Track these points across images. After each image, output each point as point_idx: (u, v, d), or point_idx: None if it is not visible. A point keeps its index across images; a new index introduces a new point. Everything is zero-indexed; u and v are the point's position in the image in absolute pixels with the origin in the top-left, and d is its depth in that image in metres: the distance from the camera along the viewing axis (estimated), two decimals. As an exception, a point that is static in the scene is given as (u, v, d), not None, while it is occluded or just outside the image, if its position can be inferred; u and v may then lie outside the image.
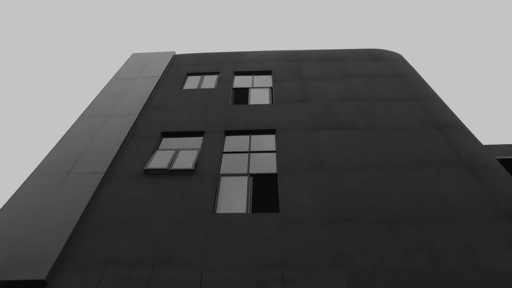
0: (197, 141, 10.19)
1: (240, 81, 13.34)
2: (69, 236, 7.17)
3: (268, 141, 9.96)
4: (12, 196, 8.33)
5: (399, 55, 14.75)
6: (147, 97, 12.12)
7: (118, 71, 14.45)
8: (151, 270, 6.57)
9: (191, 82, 13.45)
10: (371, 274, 6.29)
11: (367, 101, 11.19)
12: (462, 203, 7.51)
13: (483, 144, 9.25)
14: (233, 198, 8.16)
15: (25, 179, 8.89)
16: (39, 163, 9.38)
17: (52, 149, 9.92)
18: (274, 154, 9.43)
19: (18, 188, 8.52)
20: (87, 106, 12.01)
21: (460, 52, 56.74)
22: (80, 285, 6.42)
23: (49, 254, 6.82)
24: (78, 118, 11.32)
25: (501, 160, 12.05)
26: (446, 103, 11.26)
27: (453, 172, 8.31)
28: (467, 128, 10.08)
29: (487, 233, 6.86)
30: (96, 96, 12.61)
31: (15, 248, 6.98)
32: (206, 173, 8.77)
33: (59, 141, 10.24)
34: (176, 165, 8.95)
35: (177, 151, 9.59)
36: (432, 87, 12.00)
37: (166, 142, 10.31)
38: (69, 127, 10.87)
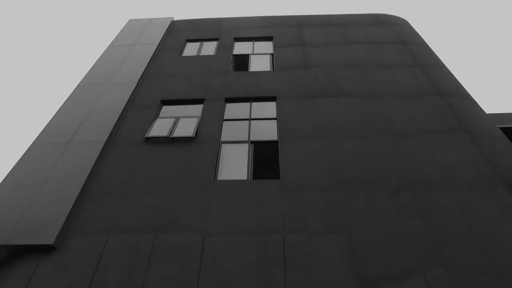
0: (197, 109, 10.12)
1: (240, 48, 13.05)
2: (73, 203, 7.30)
3: (268, 108, 9.89)
4: (15, 165, 8.39)
5: (405, 20, 14.31)
6: (146, 65, 11.91)
7: (115, 38, 14.11)
8: (154, 236, 6.74)
9: (190, 49, 13.17)
10: (370, 239, 6.44)
11: (370, 68, 10.99)
12: (461, 171, 7.56)
13: (486, 112, 9.17)
14: (234, 165, 8.22)
15: (26, 149, 8.93)
16: (39, 133, 9.38)
17: (52, 119, 9.88)
18: (275, 121, 9.40)
19: (21, 158, 8.57)
20: (84, 75, 11.83)
21: (469, 18, 55.05)
22: (86, 250, 6.62)
23: (55, 221, 6.97)
24: (76, 87, 11.18)
25: (504, 129, 12.01)
26: (450, 71, 11.05)
27: (454, 140, 8.30)
28: (470, 96, 9.95)
29: (484, 200, 6.96)
30: (94, 65, 12.39)
31: (22, 215, 7.13)
32: (207, 140, 8.78)
33: (58, 110, 10.18)
34: (177, 133, 8.95)
35: (177, 119, 9.56)
36: (437, 54, 11.74)
37: (166, 110, 10.25)
38: (67, 97, 10.77)
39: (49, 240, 6.64)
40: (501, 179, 7.33)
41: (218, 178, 7.92)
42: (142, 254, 6.45)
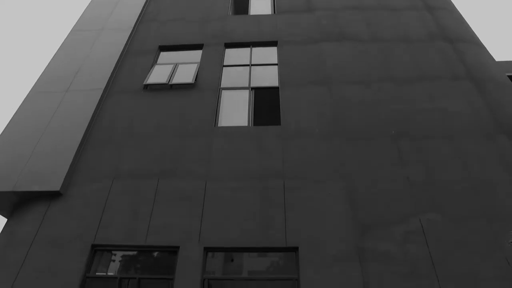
0: (196, 55, 9.81)
1: (239, -11, 12.32)
2: (76, 151, 7.35)
3: (269, 54, 9.58)
4: (14, 114, 8.31)
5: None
6: (141, 8, 11.33)
7: (107, -21, 13.25)
8: (157, 181, 6.88)
9: (187, -9, 12.45)
10: (369, 185, 6.57)
11: (376, 10, 10.44)
12: (463, 119, 7.49)
13: (497, 60, 8.86)
14: (235, 111, 8.15)
15: (24, 98, 8.79)
16: (34, 82, 9.17)
17: (46, 67, 9.60)
18: (276, 67, 9.15)
19: (18, 108, 8.47)
20: (76, 20, 11.30)
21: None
22: (92, 196, 6.80)
23: (59, 168, 7.08)
24: (68, 34, 10.73)
25: (512, 78, 11.68)
26: (462, 15, 10.50)
27: (459, 88, 8.12)
28: (480, 42, 9.53)
29: (484, 148, 6.97)
30: (85, 9, 11.78)
31: (26, 164, 7.22)
32: (207, 87, 8.62)
33: (52, 59, 9.86)
34: (176, 80, 8.76)
35: (176, 65, 9.30)
36: (448, -6, 11.08)
37: (164, 56, 9.94)
38: (61, 44, 10.38)
39: (56, 187, 6.80)
40: (502, 128, 7.28)
41: (218, 125, 7.90)
42: (146, 199, 6.63)
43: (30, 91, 8.90)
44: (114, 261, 6.23)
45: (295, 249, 5.93)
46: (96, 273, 6.06)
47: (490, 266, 5.51)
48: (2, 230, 6.94)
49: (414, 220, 6.06)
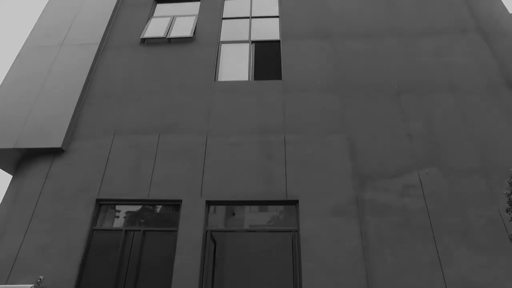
0: (194, 6, 9.38)
1: None
2: (75, 107, 7.29)
3: (270, 5, 9.15)
4: (8, 72, 8.10)
5: None
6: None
7: None
8: (158, 136, 6.89)
9: None
10: (369, 139, 6.57)
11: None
12: (468, 73, 7.30)
13: (509, 12, 8.44)
14: (235, 66, 7.97)
15: (17, 54, 8.55)
16: (26, 37, 8.87)
17: (38, 20, 9.24)
18: (277, 19, 8.79)
19: (12, 64, 8.26)
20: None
21: None
22: (94, 151, 6.84)
23: (60, 125, 7.06)
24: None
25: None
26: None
27: (467, 41, 7.82)
28: (494, -8, 9.02)
29: (487, 102, 6.87)
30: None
31: (26, 121, 7.19)
32: (206, 40, 8.36)
33: (43, 12, 9.45)
34: (174, 33, 8.47)
35: (173, 18, 8.95)
36: None
37: (160, 8, 9.52)
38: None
39: (57, 143, 6.84)
40: (508, 81, 7.12)
41: (218, 80, 7.75)
42: (147, 154, 6.68)
43: (23, 46, 8.64)
44: (118, 217, 6.41)
45: (295, 202, 6.07)
46: (102, 226, 6.27)
47: (483, 217, 5.66)
48: (8, 186, 7.09)
49: (413, 174, 6.13)
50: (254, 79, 7.69)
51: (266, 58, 8.08)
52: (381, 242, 5.55)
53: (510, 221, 4.13)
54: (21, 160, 7.20)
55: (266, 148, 6.58)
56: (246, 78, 7.71)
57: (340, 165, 6.29)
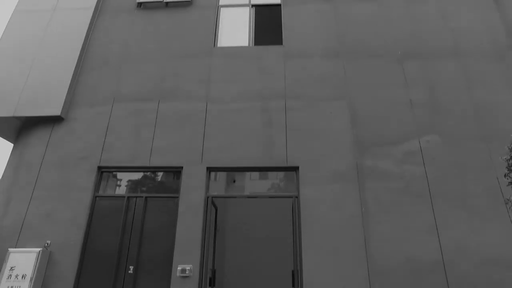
0: (191, -32, 8.99)
1: None
2: (72, 74, 7.17)
3: (271, -34, 8.76)
4: (1, 37, 7.88)
5: None
6: None
7: None
8: (157, 103, 6.83)
9: None
10: (370, 106, 6.51)
11: None
12: (475, 38, 7.11)
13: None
14: (234, 30, 7.75)
15: (8, 19, 8.24)
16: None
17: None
18: (278, -19, 8.45)
19: (5, 30, 7.99)
20: None
21: None
22: (93, 119, 6.81)
23: (58, 92, 6.98)
24: None
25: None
26: None
27: (476, 3, 7.55)
28: None
29: (493, 68, 6.74)
30: None
31: (23, 89, 7.09)
32: (204, 4, 8.07)
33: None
34: (171, -4, 8.17)
35: (170, -19, 8.58)
36: None
37: (156, -30, 9.12)
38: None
39: (56, 111, 6.79)
40: (515, 46, 6.94)
41: (218, 45, 7.57)
42: (147, 121, 6.65)
43: (14, 10, 8.33)
44: (120, 186, 6.48)
45: (295, 169, 6.11)
46: (105, 193, 6.35)
47: (481, 184, 5.73)
48: (11, 154, 7.12)
49: (413, 141, 6.13)
50: (255, 44, 7.52)
51: (267, 22, 7.85)
52: (379, 207, 5.65)
53: (507, 185, 4.16)
54: (21, 129, 7.19)
55: (267, 115, 6.54)
56: (246, 43, 7.53)
57: (341, 132, 6.28)
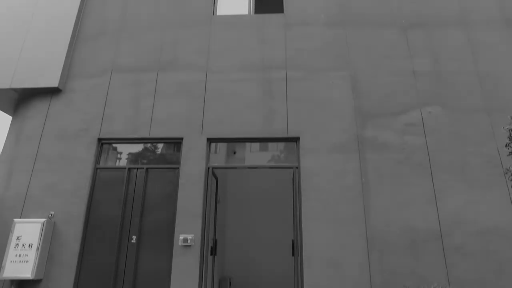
0: None
1: None
2: (68, 45, 7.02)
3: None
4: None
5: None
6: None
7: None
8: (156, 74, 6.72)
9: None
10: (373, 76, 6.39)
11: None
12: (482, 6, 6.89)
13: None
14: (234, -2, 7.52)
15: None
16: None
17: None
18: None
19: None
20: None
21: None
22: (92, 90, 6.73)
23: (54, 63, 6.86)
24: None
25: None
26: None
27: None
28: None
29: (498, 37, 6.57)
30: None
31: (18, 60, 6.96)
32: (202, -30, 7.76)
33: None
34: (167, -38, 7.82)
35: None
36: None
37: None
38: None
39: (53, 82, 6.70)
40: (523, 15, 6.73)
41: (217, 14, 7.35)
42: (147, 92, 6.57)
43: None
44: (121, 159, 6.49)
45: (296, 139, 6.09)
46: (106, 165, 6.38)
47: (481, 155, 5.74)
48: (10, 127, 7.10)
49: (415, 112, 6.08)
50: (255, 13, 7.30)
51: (267, -11, 7.60)
52: (379, 178, 5.68)
53: (508, 155, 4.15)
54: (19, 101, 7.13)
55: (267, 85, 6.45)
56: (246, 12, 7.31)
57: (342, 103, 6.21)
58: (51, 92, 6.80)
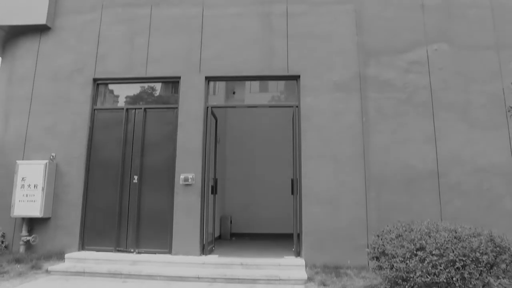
0: None
1: None
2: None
3: None
4: None
5: None
6: None
7: None
8: (150, 9, 6.33)
9: None
10: (380, 10, 6.04)
11: None
12: None
13: None
14: None
15: None
16: None
17: None
18: None
19: None
20: None
21: None
22: (82, 28, 6.41)
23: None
24: None
25: None
26: None
27: None
28: None
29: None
30: None
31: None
32: None
33: None
34: None
35: None
36: None
37: None
38: None
39: (41, 19, 6.37)
40: None
41: None
42: (141, 29, 6.25)
43: None
44: (118, 102, 6.36)
45: (296, 77, 5.92)
46: (103, 106, 6.28)
47: (485, 94, 5.63)
48: (0, 67, 6.89)
49: (420, 49, 5.84)
50: None
51: None
52: (380, 117, 5.62)
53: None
54: (6, 40, 6.83)
55: (267, 20, 6.10)
56: None
57: (345, 39, 5.93)
58: (40, 30, 6.49)
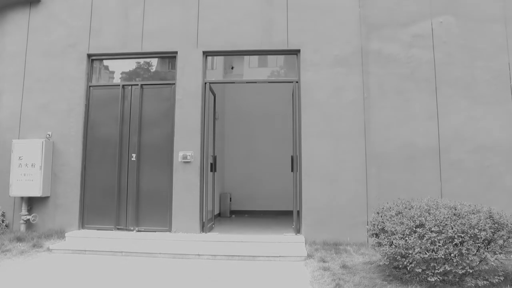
0: None
1: None
2: None
3: None
4: None
5: None
6: None
7: None
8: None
9: None
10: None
11: None
12: None
13: None
14: None
15: None
16: None
17: None
18: None
19: None
20: None
21: None
22: (73, 1, 6.15)
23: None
24: None
25: None
26: None
27: None
28: None
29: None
30: None
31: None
32: None
33: None
34: None
35: None
36: None
37: None
38: None
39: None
40: None
41: None
42: (134, 2, 5.99)
43: None
44: (114, 78, 6.19)
45: (296, 52, 5.74)
46: (98, 83, 6.13)
47: (490, 70, 5.48)
48: (-10, 40, 6.66)
49: (425, 23, 5.63)
50: None
51: None
52: (382, 93, 5.50)
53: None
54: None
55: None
56: None
57: (347, 11, 5.71)
58: (29, 3, 6.23)
